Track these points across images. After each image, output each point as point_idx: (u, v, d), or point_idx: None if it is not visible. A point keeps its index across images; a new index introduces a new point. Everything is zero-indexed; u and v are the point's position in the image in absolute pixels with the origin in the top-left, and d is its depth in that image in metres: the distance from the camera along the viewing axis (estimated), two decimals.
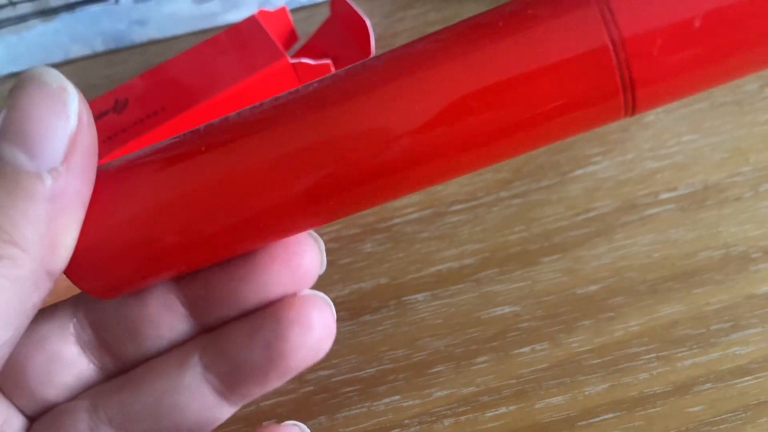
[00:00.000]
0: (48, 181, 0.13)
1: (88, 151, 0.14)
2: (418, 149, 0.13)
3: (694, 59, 0.13)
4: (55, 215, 0.13)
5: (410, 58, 0.14)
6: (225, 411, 0.17)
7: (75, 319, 0.17)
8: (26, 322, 0.14)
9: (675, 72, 0.13)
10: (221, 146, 0.14)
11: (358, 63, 0.14)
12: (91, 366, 0.17)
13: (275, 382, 0.16)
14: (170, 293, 0.17)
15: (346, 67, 0.15)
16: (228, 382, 0.16)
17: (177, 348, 0.17)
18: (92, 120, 0.14)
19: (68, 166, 0.13)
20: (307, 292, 0.17)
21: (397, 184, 0.14)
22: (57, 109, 0.13)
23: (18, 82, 0.14)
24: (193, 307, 0.17)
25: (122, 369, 0.17)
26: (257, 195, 0.14)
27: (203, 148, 0.14)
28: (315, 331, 0.16)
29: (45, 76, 0.13)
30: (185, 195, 0.14)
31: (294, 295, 0.16)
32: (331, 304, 0.17)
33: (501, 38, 0.13)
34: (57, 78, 0.14)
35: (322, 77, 0.15)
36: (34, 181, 0.13)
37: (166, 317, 0.17)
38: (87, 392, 0.17)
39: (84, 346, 0.17)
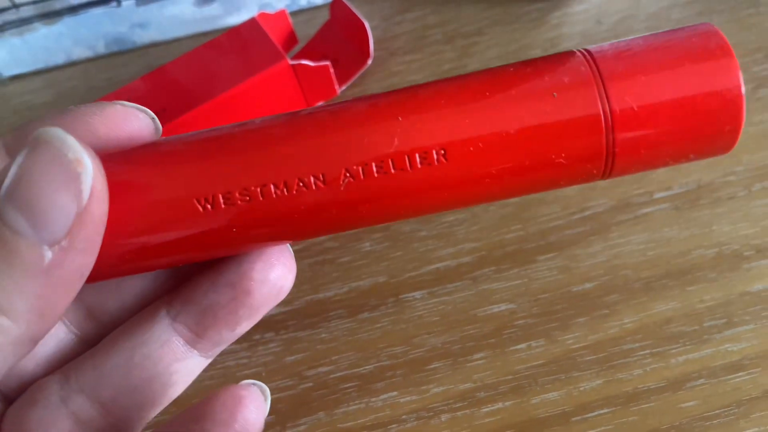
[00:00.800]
0: (47, 254, 0.12)
1: (95, 226, 0.13)
2: (427, 182, 0.15)
3: (668, 137, 0.15)
4: (50, 289, 0.13)
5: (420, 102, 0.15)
6: (197, 362, 0.17)
7: None
8: None
9: (650, 146, 0.15)
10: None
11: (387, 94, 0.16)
12: (71, 335, 0.17)
13: (244, 323, 0.17)
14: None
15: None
16: (197, 329, 0.17)
17: (145, 308, 0.17)
18: (105, 191, 0.13)
19: (71, 241, 0.13)
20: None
21: (406, 212, 0.16)
22: (68, 184, 0.13)
23: (33, 141, 0.13)
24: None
25: (102, 335, 0.17)
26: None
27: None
28: (276, 266, 0.16)
29: (60, 144, 0.13)
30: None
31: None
32: (289, 246, 0.17)
33: (509, 93, 0.15)
34: (73, 148, 0.13)
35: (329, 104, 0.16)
36: (32, 252, 0.12)
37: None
38: (60, 368, 0.17)
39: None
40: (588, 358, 0.24)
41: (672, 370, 0.23)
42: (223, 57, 0.30)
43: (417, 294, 0.26)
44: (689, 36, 0.15)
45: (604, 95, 0.14)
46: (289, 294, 0.27)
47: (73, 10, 0.35)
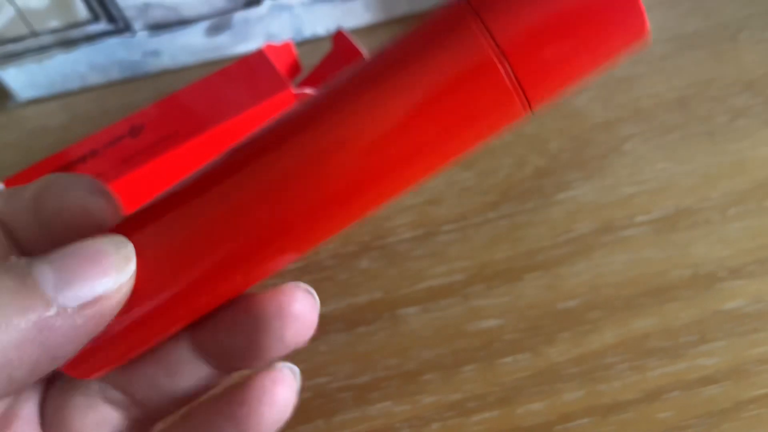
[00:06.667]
0: (52, 311, 0.13)
1: (101, 317, 0.14)
2: (360, 174, 0.15)
3: (565, 54, 0.14)
4: (27, 343, 0.13)
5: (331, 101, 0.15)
6: (220, 377, 0.18)
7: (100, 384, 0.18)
8: None
9: (553, 68, 0.14)
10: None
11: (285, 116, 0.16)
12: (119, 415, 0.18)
13: (263, 364, 0.17)
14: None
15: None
16: (218, 363, 0.18)
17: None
18: (125, 296, 0.15)
19: (75, 315, 0.13)
20: (289, 284, 0.17)
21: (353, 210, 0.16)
22: (107, 270, 0.14)
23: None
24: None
25: (151, 417, 0.18)
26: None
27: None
28: (294, 322, 0.17)
29: (121, 245, 0.14)
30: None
31: (276, 289, 0.17)
32: (314, 293, 0.18)
33: (402, 73, 0.14)
34: (128, 250, 0.14)
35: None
36: (41, 301, 0.13)
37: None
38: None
39: (112, 402, 0.18)
40: (571, 370, 0.25)
41: (649, 382, 0.25)
42: (232, 85, 0.32)
43: (411, 309, 0.28)
44: None
45: (488, 36, 0.14)
46: None
47: (90, 38, 0.37)
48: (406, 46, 0.15)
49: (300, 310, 0.17)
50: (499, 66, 0.14)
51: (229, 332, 0.17)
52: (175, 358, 0.18)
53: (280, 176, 0.15)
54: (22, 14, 0.36)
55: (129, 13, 0.36)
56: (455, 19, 0.14)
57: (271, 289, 0.18)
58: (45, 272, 0.13)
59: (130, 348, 0.17)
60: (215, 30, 0.38)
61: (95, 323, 0.14)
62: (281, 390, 0.17)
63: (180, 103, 0.32)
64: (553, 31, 0.14)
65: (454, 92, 0.14)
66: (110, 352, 0.17)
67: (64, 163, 0.30)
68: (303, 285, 0.18)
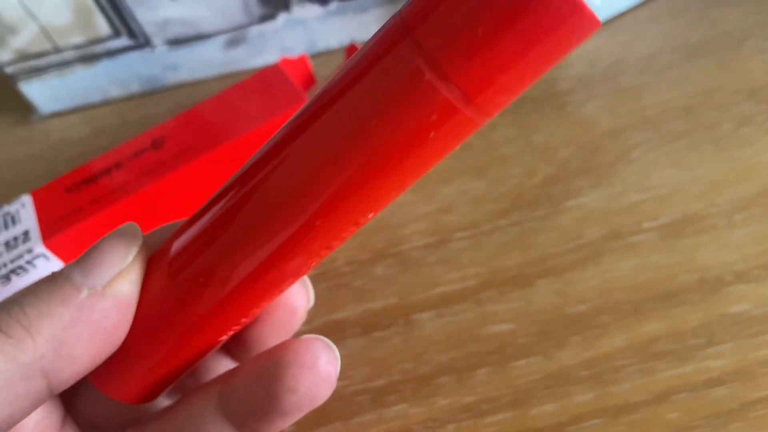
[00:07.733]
0: (84, 292, 0.16)
1: (130, 287, 0.16)
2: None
3: (501, 58, 0.13)
4: (75, 325, 0.15)
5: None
6: None
7: None
8: (6, 408, 0.15)
9: (496, 75, 0.13)
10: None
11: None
12: None
13: (280, 423, 0.18)
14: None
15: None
16: (239, 421, 0.18)
17: (201, 389, 0.19)
18: (144, 264, 0.17)
19: (106, 291, 0.16)
20: (308, 336, 0.18)
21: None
22: (121, 246, 0.16)
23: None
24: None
25: None
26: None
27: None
28: (308, 373, 0.17)
29: (129, 227, 0.17)
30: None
31: (294, 339, 0.18)
32: (334, 347, 0.18)
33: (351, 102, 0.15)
34: (134, 228, 0.17)
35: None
36: (72, 287, 0.15)
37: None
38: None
39: None
40: (582, 373, 0.26)
41: (657, 384, 0.25)
42: (249, 98, 0.33)
43: (425, 315, 0.29)
44: None
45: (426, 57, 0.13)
46: (308, 314, 0.29)
47: (111, 54, 0.39)
48: (352, 73, 0.15)
49: (314, 361, 0.17)
50: (437, 83, 0.13)
51: (247, 380, 0.18)
52: (202, 415, 0.18)
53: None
54: (45, 31, 0.37)
55: (149, 29, 0.38)
56: (391, 43, 0.14)
57: (292, 339, 0.18)
58: (73, 270, 0.16)
59: (159, 369, 0.18)
60: (232, 44, 0.39)
61: (124, 301, 0.16)
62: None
63: (200, 116, 0.33)
64: (488, 39, 0.13)
65: (399, 114, 0.14)
66: (144, 368, 0.18)
67: (90, 175, 0.31)
68: (323, 338, 0.18)
